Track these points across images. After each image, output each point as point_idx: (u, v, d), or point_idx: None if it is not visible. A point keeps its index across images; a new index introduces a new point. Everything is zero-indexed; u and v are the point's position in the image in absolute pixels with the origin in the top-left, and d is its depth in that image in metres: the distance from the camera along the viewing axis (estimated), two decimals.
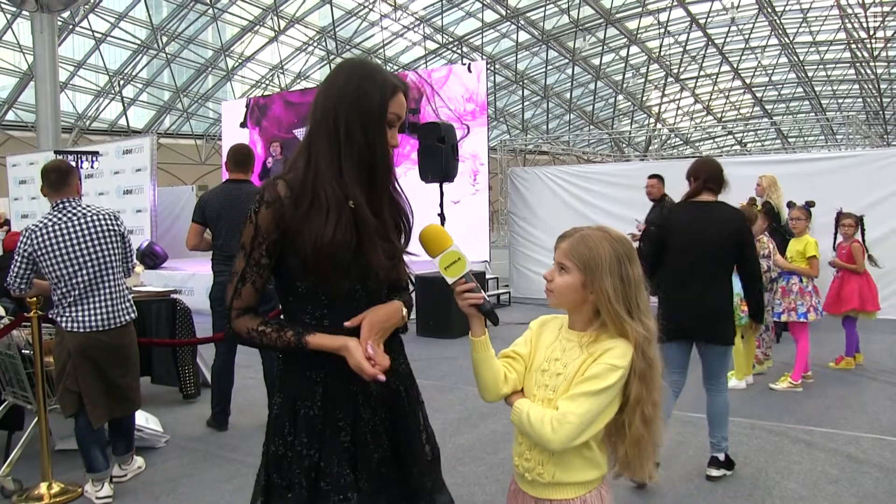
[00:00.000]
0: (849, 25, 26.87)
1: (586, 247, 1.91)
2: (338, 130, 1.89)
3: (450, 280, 1.89)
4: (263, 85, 31.22)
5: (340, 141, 1.89)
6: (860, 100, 36.09)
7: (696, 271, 4.27)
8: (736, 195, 8.21)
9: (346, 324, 1.89)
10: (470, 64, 13.96)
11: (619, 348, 1.87)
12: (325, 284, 1.89)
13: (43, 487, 4.20)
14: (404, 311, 2.02)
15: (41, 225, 4.06)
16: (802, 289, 6.52)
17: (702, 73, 33.84)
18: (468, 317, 1.92)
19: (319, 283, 1.89)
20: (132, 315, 4.33)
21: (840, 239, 7.19)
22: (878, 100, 32.65)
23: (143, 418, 5.08)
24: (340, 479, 1.87)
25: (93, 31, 24.52)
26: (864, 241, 7.10)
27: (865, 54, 28.30)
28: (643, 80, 34.98)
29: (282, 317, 2.01)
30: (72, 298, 4.06)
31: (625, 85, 35.52)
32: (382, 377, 1.84)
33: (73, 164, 10.63)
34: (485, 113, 13.24)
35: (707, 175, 4.44)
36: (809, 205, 6.90)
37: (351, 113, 1.88)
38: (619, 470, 1.99)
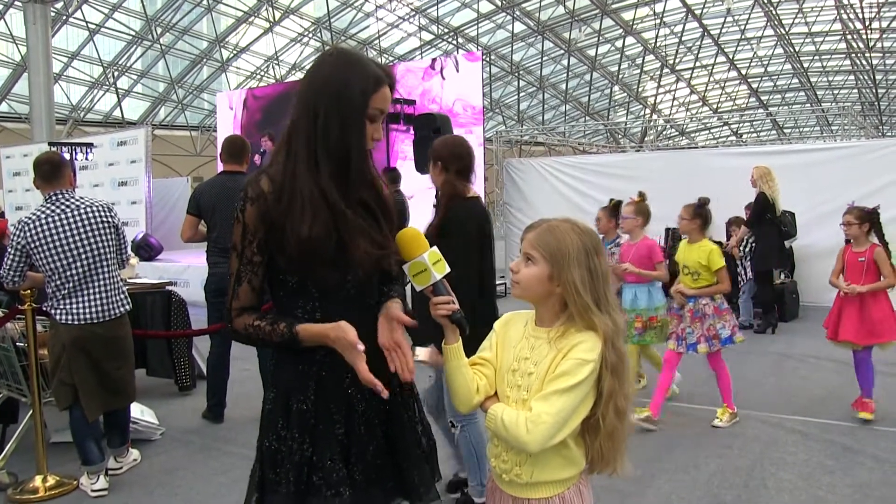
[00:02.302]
0: (844, 16, 26.85)
1: (553, 237, 1.88)
2: (316, 124, 1.86)
3: (417, 287, 1.89)
4: (258, 76, 31.08)
5: (317, 135, 1.86)
6: (855, 91, 36.10)
7: None
8: (733, 186, 8.27)
9: (360, 348, 1.80)
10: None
11: (588, 342, 1.84)
12: (314, 277, 1.87)
13: (38, 480, 4.19)
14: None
15: (34, 217, 4.04)
16: (717, 308, 5.15)
17: (697, 63, 33.74)
18: (442, 326, 1.90)
19: (309, 277, 1.88)
20: (127, 307, 4.32)
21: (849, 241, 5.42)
22: (874, 91, 32.66)
23: (138, 410, 5.07)
24: (333, 473, 1.86)
25: (87, 22, 24.31)
26: (884, 241, 5.28)
27: (861, 45, 28.29)
28: (639, 70, 34.89)
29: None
30: (66, 291, 4.05)
31: (620, 76, 35.45)
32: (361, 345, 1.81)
33: (68, 155, 10.61)
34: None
35: (458, 165, 3.69)
36: (703, 202, 5.28)
37: (331, 108, 1.85)
38: (592, 466, 1.97)
